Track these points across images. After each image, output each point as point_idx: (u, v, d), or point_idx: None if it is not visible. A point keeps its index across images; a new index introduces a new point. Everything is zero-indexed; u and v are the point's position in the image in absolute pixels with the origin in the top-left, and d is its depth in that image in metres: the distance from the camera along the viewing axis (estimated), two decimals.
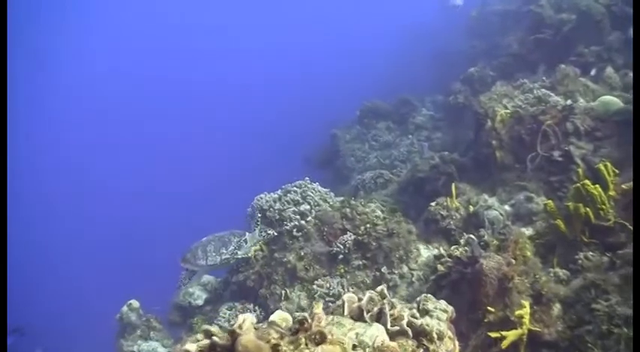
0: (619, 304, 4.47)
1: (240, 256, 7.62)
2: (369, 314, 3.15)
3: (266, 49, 35.59)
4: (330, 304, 3.63)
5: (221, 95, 34.37)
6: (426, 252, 7.73)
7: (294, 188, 8.49)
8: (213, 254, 7.41)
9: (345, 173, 14.77)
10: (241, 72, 35.17)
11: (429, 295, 3.73)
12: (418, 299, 3.72)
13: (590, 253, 5.53)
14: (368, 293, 3.23)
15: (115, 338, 9.31)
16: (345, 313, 3.20)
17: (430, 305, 3.61)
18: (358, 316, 3.16)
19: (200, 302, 9.06)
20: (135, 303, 9.31)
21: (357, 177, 12.06)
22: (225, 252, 7.42)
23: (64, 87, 37.19)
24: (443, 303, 3.67)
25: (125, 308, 9.26)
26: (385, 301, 3.19)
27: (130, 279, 20.24)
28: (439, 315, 3.48)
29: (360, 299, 3.26)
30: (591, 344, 4.44)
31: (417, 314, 3.28)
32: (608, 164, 5.82)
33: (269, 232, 7.82)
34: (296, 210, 8.09)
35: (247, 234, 7.75)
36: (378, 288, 3.39)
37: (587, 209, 5.52)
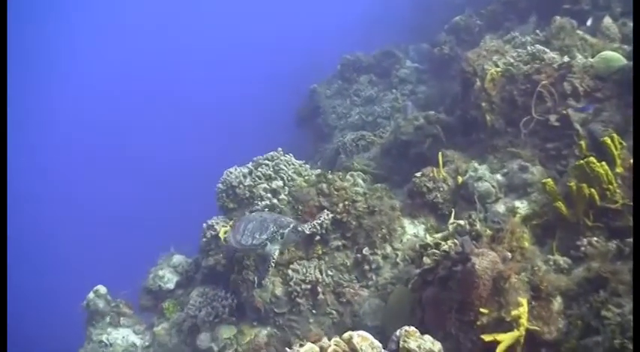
0: (632, 313, 3.83)
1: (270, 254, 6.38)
2: None
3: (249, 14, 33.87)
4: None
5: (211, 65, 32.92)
6: (411, 229, 7.12)
7: (266, 161, 7.76)
8: (247, 235, 6.43)
9: (326, 131, 14.02)
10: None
11: (411, 329, 3.06)
12: (398, 334, 3.05)
13: (595, 239, 4.88)
14: (333, 346, 2.55)
15: (84, 325, 8.71)
16: None
17: (412, 344, 2.94)
18: None
19: (171, 285, 8.49)
20: (102, 289, 8.67)
21: (338, 139, 11.31)
22: (257, 237, 6.31)
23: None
24: (428, 341, 3.01)
25: (91, 295, 8.62)
26: None
27: (99, 261, 19.69)
28: None
29: (322, 349, 2.58)
30: None
31: None
32: (615, 136, 5.09)
33: (299, 229, 6.43)
34: (267, 186, 7.38)
35: (291, 225, 6.36)
36: (345, 335, 2.72)
37: (592, 190, 4.83)
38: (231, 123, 26.36)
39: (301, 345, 2.75)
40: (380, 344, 2.89)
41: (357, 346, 2.63)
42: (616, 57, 6.59)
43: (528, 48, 7.14)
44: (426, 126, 8.48)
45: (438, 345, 3.04)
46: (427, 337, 3.07)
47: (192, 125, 29.00)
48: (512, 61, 7.12)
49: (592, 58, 6.93)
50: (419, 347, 2.93)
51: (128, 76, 33.81)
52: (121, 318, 8.57)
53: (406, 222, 7.20)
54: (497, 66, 7.21)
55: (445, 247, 4.81)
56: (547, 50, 7.02)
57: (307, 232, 6.48)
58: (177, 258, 8.73)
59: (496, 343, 4.31)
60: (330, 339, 2.79)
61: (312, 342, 2.96)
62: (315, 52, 20.65)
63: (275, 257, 6.36)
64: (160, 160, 28.32)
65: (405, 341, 2.96)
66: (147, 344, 8.26)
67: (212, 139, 26.15)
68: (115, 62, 34.98)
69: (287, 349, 2.86)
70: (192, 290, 7.82)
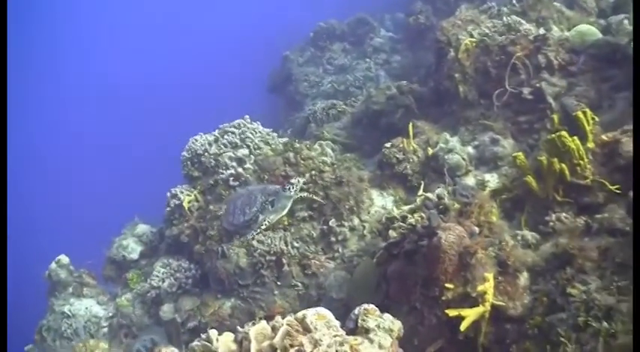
0: (598, 291, 3.76)
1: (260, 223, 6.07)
2: None
3: None
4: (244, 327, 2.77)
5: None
6: (380, 200, 7.00)
7: (232, 129, 7.53)
8: (238, 213, 6.18)
9: (297, 99, 13.74)
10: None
11: (370, 307, 2.93)
12: (357, 312, 2.92)
13: (564, 214, 4.79)
14: (285, 326, 2.40)
15: (46, 296, 8.49)
16: None
17: (371, 323, 2.81)
18: None
19: (135, 255, 8.30)
20: (64, 259, 8.44)
21: (308, 107, 11.07)
22: (248, 212, 6.07)
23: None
24: (388, 320, 2.88)
25: (54, 265, 8.39)
26: (305, 340, 2.36)
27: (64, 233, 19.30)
28: (381, 341, 2.70)
29: (274, 329, 2.43)
30: (564, 337, 3.75)
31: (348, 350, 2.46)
32: (587, 111, 4.98)
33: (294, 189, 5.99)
34: (233, 155, 7.17)
35: (281, 192, 6.00)
36: (299, 314, 2.57)
37: (563, 165, 4.72)
38: (200, 90, 25.81)
39: (254, 324, 2.61)
40: (338, 323, 2.76)
41: (311, 325, 2.49)
42: (592, 31, 6.47)
43: (504, 19, 6.97)
44: (398, 96, 8.34)
45: (397, 324, 2.92)
46: (387, 316, 2.94)
47: (161, 92, 28.28)
48: (487, 31, 6.95)
49: (568, 31, 6.81)
50: (378, 326, 2.80)
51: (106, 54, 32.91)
52: (84, 289, 8.37)
53: (375, 193, 7.08)
54: (472, 36, 7.04)
55: (412, 220, 4.69)
56: (523, 21, 6.86)
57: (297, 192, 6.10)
58: (142, 228, 8.52)
59: (461, 318, 4.23)
60: (284, 318, 2.65)
61: (271, 317, 2.82)
62: (290, 19, 20.18)
63: (266, 224, 6.08)
64: (128, 130, 27.66)
65: (363, 320, 2.84)
66: (110, 314, 8.08)
67: (180, 106, 25.62)
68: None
69: (239, 328, 2.72)
70: (156, 261, 7.65)
